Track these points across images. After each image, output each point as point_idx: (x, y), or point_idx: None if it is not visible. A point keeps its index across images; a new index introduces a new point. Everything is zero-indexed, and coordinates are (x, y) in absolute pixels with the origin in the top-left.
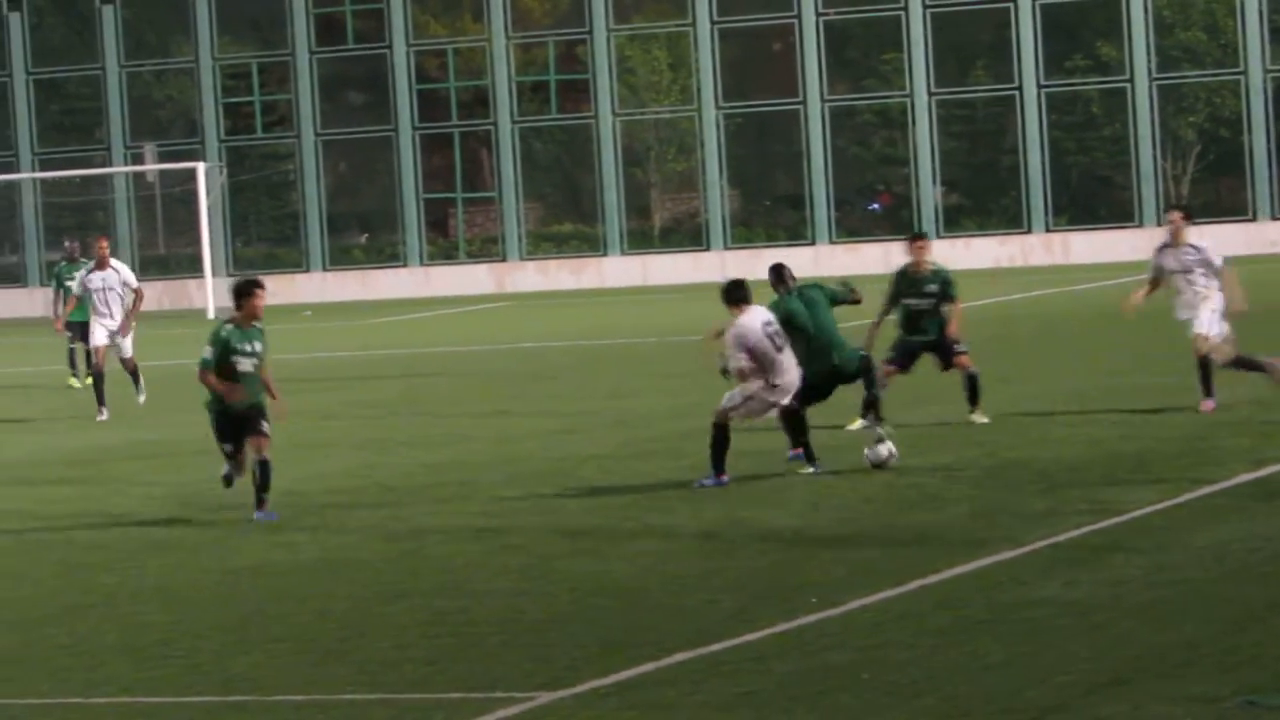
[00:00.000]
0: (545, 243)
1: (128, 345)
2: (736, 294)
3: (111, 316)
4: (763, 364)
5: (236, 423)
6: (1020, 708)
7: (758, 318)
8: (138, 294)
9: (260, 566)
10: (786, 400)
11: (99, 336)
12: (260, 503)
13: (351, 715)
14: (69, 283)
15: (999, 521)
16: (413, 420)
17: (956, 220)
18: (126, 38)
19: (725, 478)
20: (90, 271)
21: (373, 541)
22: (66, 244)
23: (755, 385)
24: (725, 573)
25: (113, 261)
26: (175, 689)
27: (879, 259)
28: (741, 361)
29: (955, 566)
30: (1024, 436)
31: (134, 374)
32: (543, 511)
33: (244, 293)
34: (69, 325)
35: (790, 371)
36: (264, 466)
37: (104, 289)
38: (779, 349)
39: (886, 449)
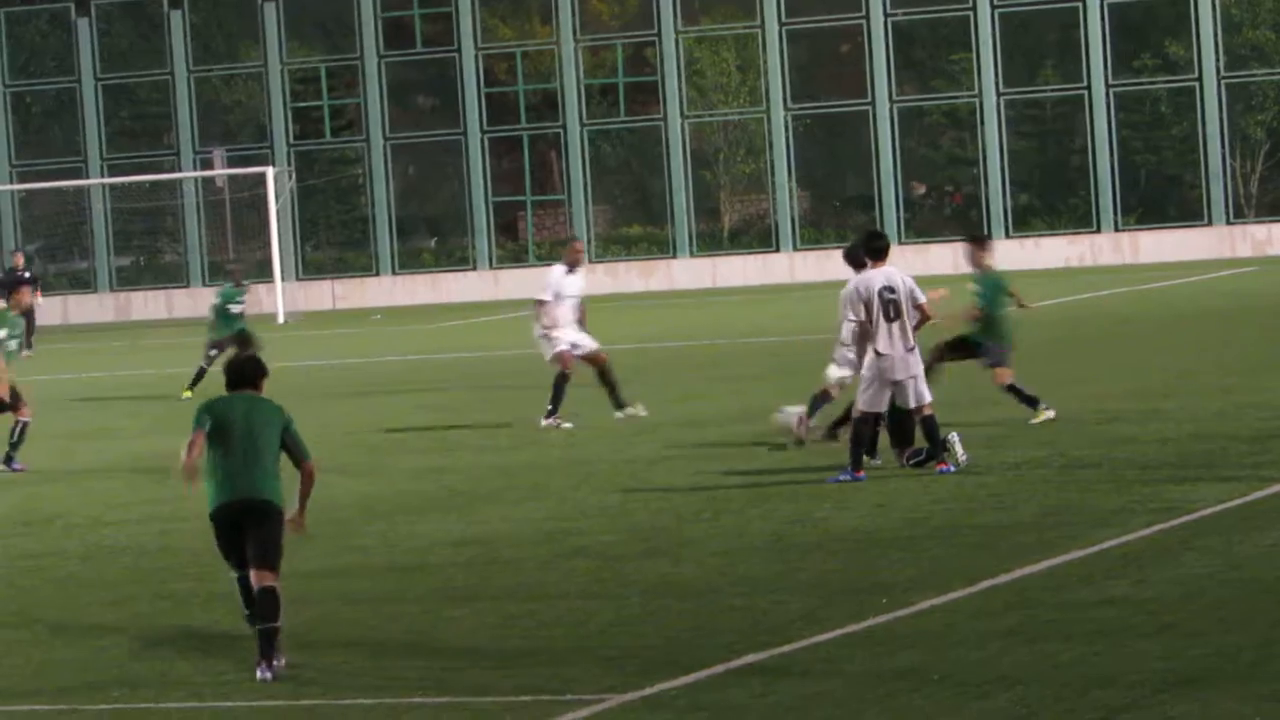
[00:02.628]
0: (614, 245)
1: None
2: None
3: None
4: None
5: None
6: (1090, 707)
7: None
8: None
9: (331, 570)
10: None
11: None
12: None
13: (421, 718)
14: (231, 308)
15: (1068, 521)
16: (482, 423)
17: (1026, 220)
18: (195, 42)
19: (862, 474)
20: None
21: (442, 545)
22: (230, 269)
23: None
24: (795, 574)
25: None
26: (246, 693)
27: (948, 260)
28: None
29: (1025, 566)
30: (1093, 436)
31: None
32: (612, 514)
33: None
34: (214, 343)
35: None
36: None
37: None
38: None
39: (796, 414)
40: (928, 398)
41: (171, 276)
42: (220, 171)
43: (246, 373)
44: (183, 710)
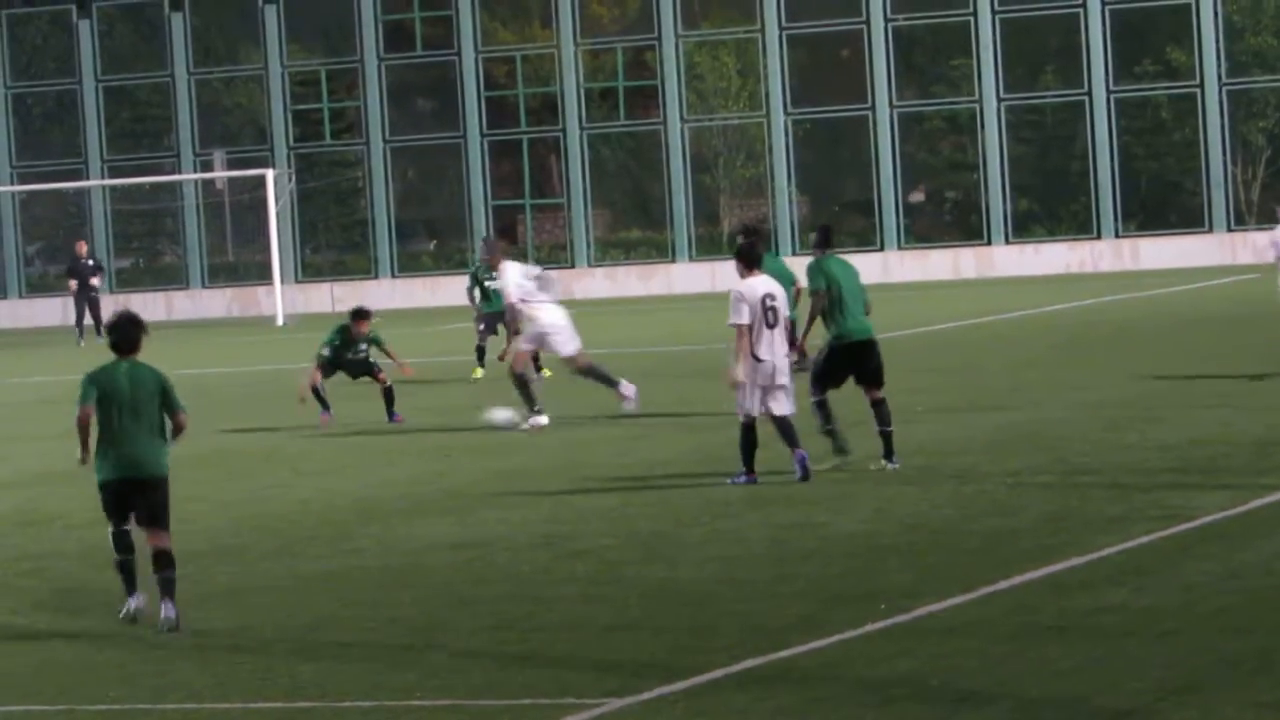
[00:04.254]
0: (613, 249)
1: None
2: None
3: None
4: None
5: None
6: (1091, 714)
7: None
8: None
9: (328, 573)
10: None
11: None
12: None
13: None
14: (488, 282)
15: (1068, 528)
16: (480, 426)
17: (1026, 226)
18: (195, 45)
19: (755, 476)
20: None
21: (439, 548)
22: (483, 245)
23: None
24: (794, 579)
25: None
26: (243, 694)
27: (949, 265)
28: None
29: (1025, 573)
30: (1094, 443)
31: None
32: (611, 518)
33: None
34: (483, 318)
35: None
36: None
37: None
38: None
39: (506, 415)
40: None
41: (171, 278)
42: (220, 174)
43: (130, 337)
44: (182, 711)
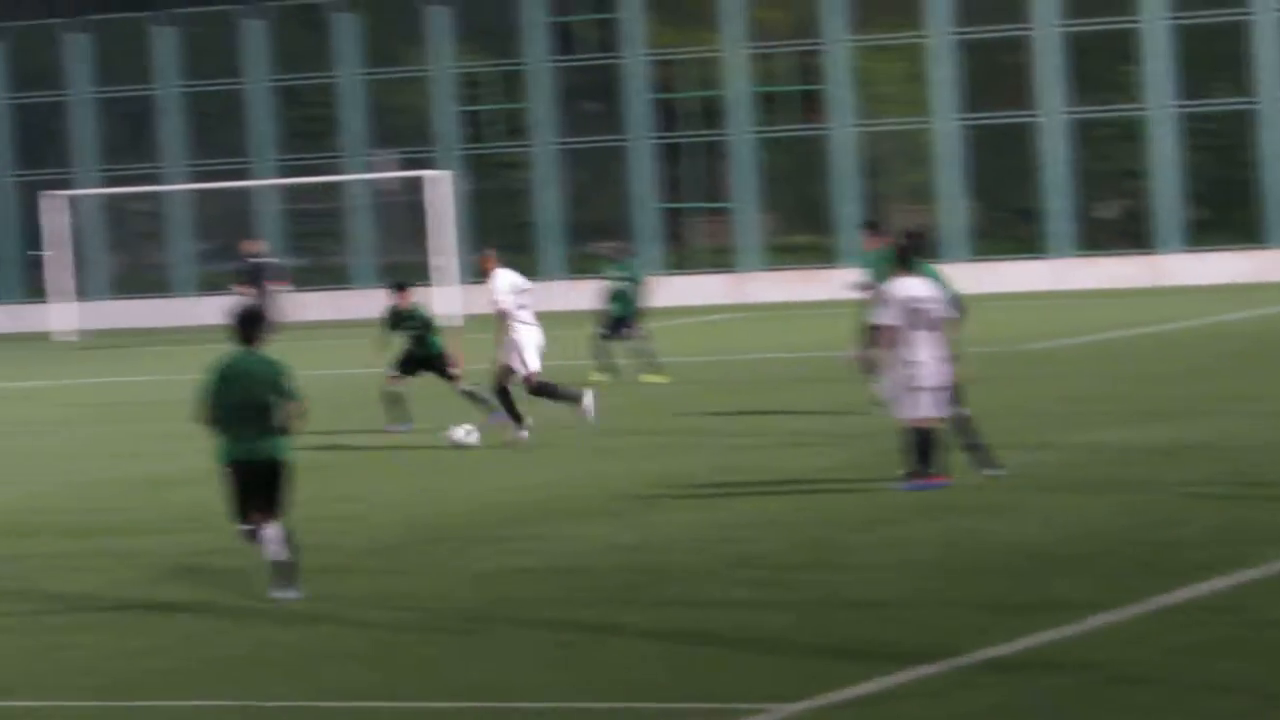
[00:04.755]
0: (780, 253)
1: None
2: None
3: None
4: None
5: None
6: None
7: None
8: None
9: (494, 573)
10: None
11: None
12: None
13: None
14: (617, 283)
15: (1244, 539)
16: (645, 429)
17: (1197, 235)
18: (364, 45)
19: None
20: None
21: (604, 550)
22: (611, 247)
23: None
24: (963, 586)
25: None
26: (410, 694)
27: (1118, 273)
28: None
29: (1199, 584)
30: (1270, 453)
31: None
32: (776, 523)
33: None
34: (606, 321)
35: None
36: None
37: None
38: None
39: (464, 431)
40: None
41: (337, 278)
42: (387, 175)
43: (251, 328)
44: (349, 709)
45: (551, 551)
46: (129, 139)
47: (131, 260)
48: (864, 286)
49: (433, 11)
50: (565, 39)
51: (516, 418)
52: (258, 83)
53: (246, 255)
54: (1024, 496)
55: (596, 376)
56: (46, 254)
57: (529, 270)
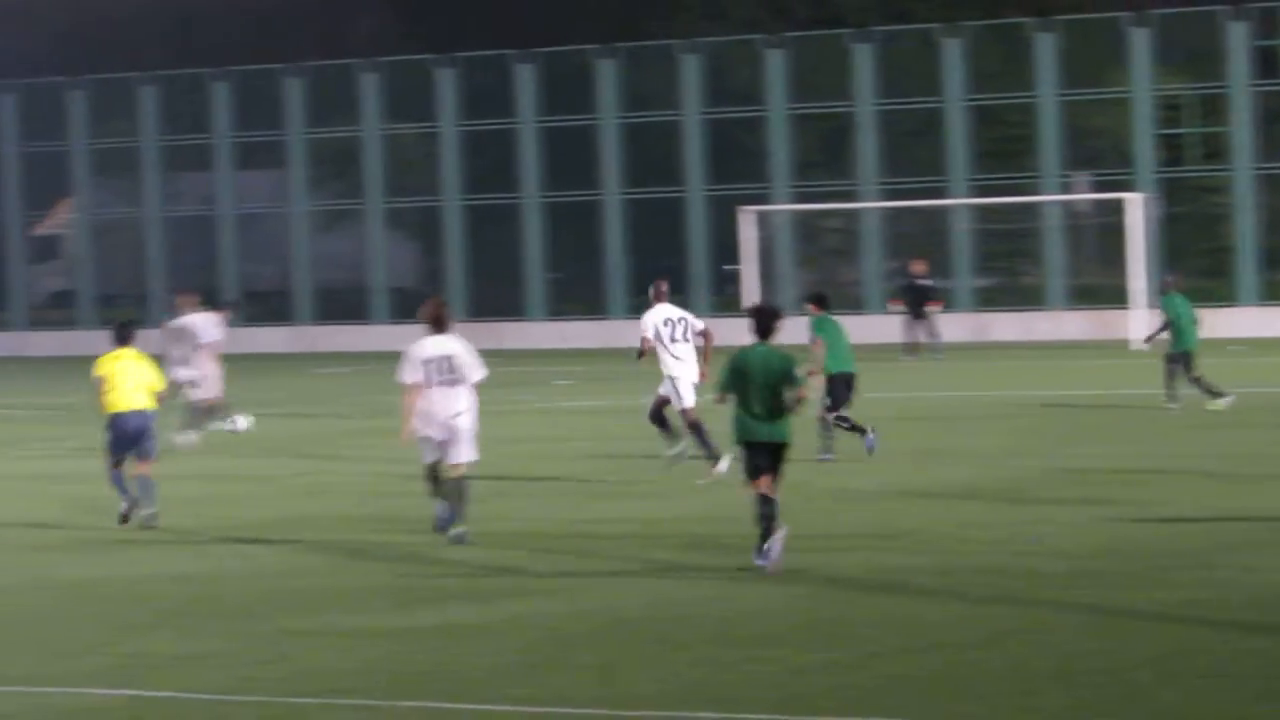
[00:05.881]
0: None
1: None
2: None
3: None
4: None
5: None
6: None
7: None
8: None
9: (1193, 601)
10: None
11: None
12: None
13: None
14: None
15: None
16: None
17: None
18: (1062, 66)
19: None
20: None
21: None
22: (1168, 278)
23: None
24: None
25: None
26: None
27: None
28: None
29: None
30: None
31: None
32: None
33: None
34: (1172, 355)
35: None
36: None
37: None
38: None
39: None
40: None
41: (1030, 299)
42: (1081, 196)
43: (766, 324)
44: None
45: (1246, 584)
46: (823, 156)
47: (823, 277)
48: None
49: (1134, 33)
50: (1267, 62)
51: (708, 447)
52: (954, 101)
53: (911, 275)
54: None
55: (1218, 405)
56: (738, 268)
57: (1225, 296)
